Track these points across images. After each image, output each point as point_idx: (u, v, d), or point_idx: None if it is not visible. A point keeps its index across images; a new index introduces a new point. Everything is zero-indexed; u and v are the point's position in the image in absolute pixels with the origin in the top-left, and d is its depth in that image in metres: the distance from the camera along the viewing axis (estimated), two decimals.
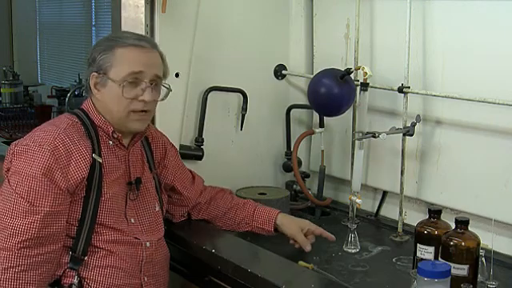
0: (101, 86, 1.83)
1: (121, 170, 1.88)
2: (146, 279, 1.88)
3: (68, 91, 4.31)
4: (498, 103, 1.91)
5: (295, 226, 2.05)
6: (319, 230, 2.06)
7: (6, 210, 1.69)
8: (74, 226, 1.77)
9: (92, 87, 1.85)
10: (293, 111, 2.67)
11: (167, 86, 1.92)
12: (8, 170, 1.75)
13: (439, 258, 1.64)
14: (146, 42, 1.87)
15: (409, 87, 2.16)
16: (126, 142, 1.91)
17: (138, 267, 1.86)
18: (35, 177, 1.70)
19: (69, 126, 1.80)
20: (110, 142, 1.86)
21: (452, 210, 2.09)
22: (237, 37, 2.52)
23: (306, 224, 2.07)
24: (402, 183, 2.22)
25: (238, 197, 2.25)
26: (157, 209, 1.97)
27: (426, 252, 1.73)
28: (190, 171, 2.19)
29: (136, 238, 1.86)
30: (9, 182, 1.72)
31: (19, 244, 1.66)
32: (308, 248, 2.01)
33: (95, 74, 1.83)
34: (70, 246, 1.77)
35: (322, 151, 2.53)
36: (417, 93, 2.17)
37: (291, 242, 2.06)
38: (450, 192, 2.15)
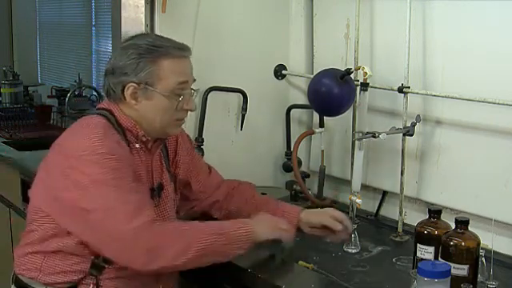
0: (143, 98, 1.78)
1: (144, 176, 1.83)
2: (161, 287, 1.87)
3: (68, 91, 4.31)
4: (498, 103, 1.91)
5: (319, 214, 2.01)
6: (342, 216, 1.98)
7: (117, 219, 1.65)
8: None
9: (128, 98, 1.78)
10: (293, 111, 2.67)
11: (195, 89, 1.88)
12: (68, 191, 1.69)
13: (439, 258, 1.64)
14: (187, 50, 1.83)
15: (409, 87, 2.16)
16: (149, 145, 1.87)
17: (154, 277, 1.84)
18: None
19: (108, 130, 1.76)
20: (137, 145, 1.82)
21: (452, 209, 2.09)
22: (237, 37, 2.53)
23: (331, 210, 2.03)
24: (402, 183, 2.22)
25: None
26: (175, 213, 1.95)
27: (425, 252, 1.73)
28: (208, 166, 2.14)
29: None
30: (92, 190, 1.66)
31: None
32: (339, 227, 1.94)
33: (134, 85, 1.76)
34: (94, 253, 1.74)
35: (322, 151, 2.53)
36: (417, 93, 2.17)
37: (316, 232, 1.99)
38: (450, 192, 2.15)
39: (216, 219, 2.08)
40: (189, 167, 2.05)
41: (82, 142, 1.70)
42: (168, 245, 1.67)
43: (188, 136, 2.10)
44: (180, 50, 1.81)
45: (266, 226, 1.83)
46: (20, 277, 1.80)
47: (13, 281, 1.84)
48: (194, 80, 1.86)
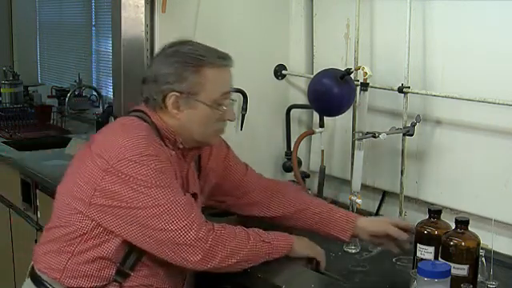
0: (185, 107, 1.76)
1: (180, 184, 1.79)
2: None
3: (68, 91, 4.32)
4: (498, 103, 1.91)
5: (381, 222, 1.95)
6: (404, 222, 1.93)
7: (172, 216, 1.65)
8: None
9: (170, 107, 1.76)
10: (293, 111, 2.67)
11: (233, 99, 1.87)
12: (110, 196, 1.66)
13: (439, 258, 1.64)
14: (229, 60, 1.82)
15: (409, 87, 2.16)
16: (185, 153, 1.85)
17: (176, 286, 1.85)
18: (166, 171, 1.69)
19: (150, 132, 1.75)
20: (173, 153, 1.79)
21: (452, 209, 2.09)
22: (237, 37, 2.52)
23: (389, 219, 1.98)
24: (401, 183, 2.22)
25: None
26: None
27: (425, 252, 1.73)
28: (245, 165, 2.09)
29: None
30: (148, 194, 1.65)
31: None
32: (404, 237, 1.86)
33: (176, 94, 1.74)
34: (120, 260, 1.73)
35: (322, 151, 2.53)
36: (417, 93, 2.17)
37: (376, 240, 1.94)
38: (449, 192, 2.15)
39: (262, 218, 2.06)
40: (222, 172, 2.02)
41: (125, 143, 1.68)
42: (223, 245, 1.68)
43: (222, 141, 2.03)
44: (223, 60, 1.80)
45: (305, 246, 1.84)
46: (41, 275, 1.77)
47: (29, 274, 1.82)
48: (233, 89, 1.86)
